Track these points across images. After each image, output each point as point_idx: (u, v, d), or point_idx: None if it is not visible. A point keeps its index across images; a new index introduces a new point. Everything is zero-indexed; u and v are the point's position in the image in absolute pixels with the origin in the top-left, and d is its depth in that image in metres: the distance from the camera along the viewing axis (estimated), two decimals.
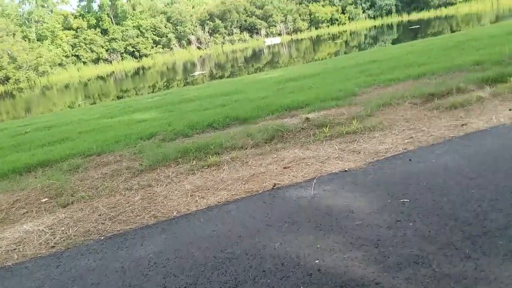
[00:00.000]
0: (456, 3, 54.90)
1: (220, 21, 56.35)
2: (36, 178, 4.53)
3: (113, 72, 45.67)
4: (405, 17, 55.83)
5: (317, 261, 2.25)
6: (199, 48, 55.40)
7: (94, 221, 3.24)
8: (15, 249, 2.99)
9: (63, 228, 3.19)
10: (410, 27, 38.14)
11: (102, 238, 2.95)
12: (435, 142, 3.82)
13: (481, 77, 5.78)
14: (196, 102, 8.63)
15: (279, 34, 57.62)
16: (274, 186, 3.41)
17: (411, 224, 2.47)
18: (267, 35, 57.05)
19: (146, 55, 53.11)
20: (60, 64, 48.21)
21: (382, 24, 53.49)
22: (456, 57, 8.36)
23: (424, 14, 54.13)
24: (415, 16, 54.81)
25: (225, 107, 7.03)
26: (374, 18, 59.00)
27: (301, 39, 51.75)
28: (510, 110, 4.34)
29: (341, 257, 2.25)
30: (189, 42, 55.38)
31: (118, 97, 20.45)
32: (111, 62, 51.65)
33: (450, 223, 2.41)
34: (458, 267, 2.00)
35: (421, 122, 4.49)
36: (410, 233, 2.37)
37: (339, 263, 2.20)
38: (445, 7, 54.86)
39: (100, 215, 3.33)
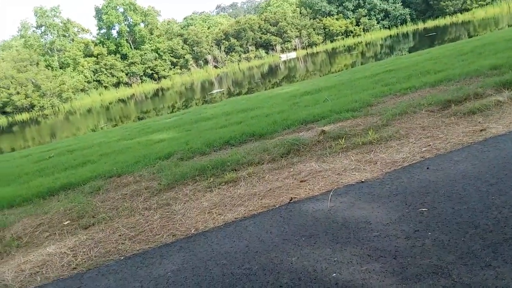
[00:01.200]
0: (471, 9, 54.36)
1: (236, 40, 57.14)
2: (59, 201, 4.64)
3: (133, 94, 46.65)
4: (420, 25, 55.48)
5: (334, 274, 2.23)
6: (216, 67, 56.19)
7: (115, 242, 3.28)
8: (39, 271, 3.05)
9: (84, 250, 3.25)
10: (426, 35, 37.88)
11: (122, 258, 2.99)
12: (453, 149, 3.76)
13: (499, 81, 5.67)
14: (213, 120, 8.72)
15: (295, 49, 57.98)
16: (290, 200, 3.40)
17: (429, 233, 2.42)
18: (282, 51, 57.47)
19: (164, 77, 54.17)
20: (82, 90, 49.62)
21: (397, 33, 53.29)
22: (473, 62, 8.25)
23: (440, 21, 53.70)
24: (431, 23, 54.42)
25: (242, 124, 7.08)
26: (389, 28, 58.85)
27: (317, 53, 51.96)
28: None
29: (358, 269, 2.22)
30: (206, 62, 56.26)
31: (139, 118, 20.85)
32: (131, 85, 52.85)
33: (470, 231, 2.35)
34: (479, 276, 1.95)
35: (439, 129, 4.42)
36: (429, 243, 2.32)
37: (356, 275, 2.17)
38: (461, 13, 54.34)
39: (120, 235, 3.38)
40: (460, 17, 52.79)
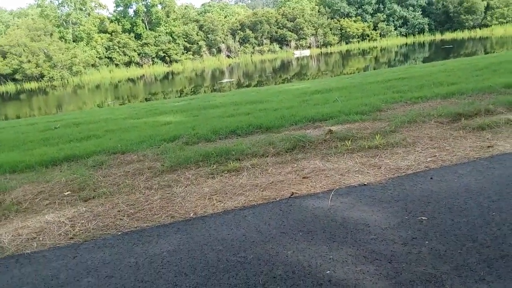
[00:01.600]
0: (491, 25, 54.00)
1: (251, 32, 56.88)
2: (61, 171, 4.67)
3: (143, 75, 46.65)
4: (438, 36, 55.17)
5: (328, 271, 2.24)
6: (228, 56, 56.03)
7: (113, 217, 3.31)
8: (35, 238, 3.08)
9: (82, 221, 3.27)
10: (443, 47, 37.63)
11: (119, 233, 3.01)
12: (458, 162, 3.76)
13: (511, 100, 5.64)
14: (221, 108, 8.73)
15: (309, 47, 57.71)
16: (291, 195, 3.41)
17: (427, 242, 2.43)
18: (296, 47, 57.22)
19: (176, 61, 54.06)
20: (93, 65, 49.63)
21: (413, 42, 52.97)
22: (487, 78, 8.20)
23: (458, 34, 53.38)
24: (448, 35, 54.11)
25: (250, 115, 7.08)
26: (406, 36, 58.47)
27: (331, 53, 51.70)
28: None
29: (353, 269, 2.23)
30: (219, 50, 56.09)
31: (146, 99, 20.87)
32: (142, 65, 52.81)
33: (468, 244, 2.36)
34: None
35: (446, 141, 4.41)
36: (426, 251, 2.33)
37: (350, 275, 2.18)
38: (480, 29, 53.98)
39: (119, 211, 3.41)
40: (478, 32, 52.45)
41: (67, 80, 45.16)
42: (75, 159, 5.14)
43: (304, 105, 7.76)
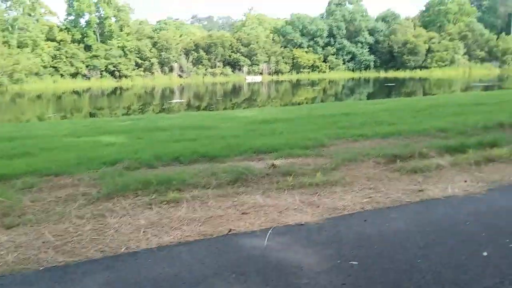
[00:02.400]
0: (430, 67, 58.08)
1: (205, 53, 57.17)
2: None
3: (90, 88, 45.18)
4: (382, 74, 58.40)
5: None
6: (180, 76, 55.76)
7: (37, 249, 3.10)
8: None
9: (2, 252, 3.04)
10: (386, 84, 39.69)
11: (41, 268, 2.82)
12: (391, 205, 3.91)
13: (443, 145, 6.00)
14: (168, 132, 8.59)
15: (261, 73, 58.82)
16: (229, 231, 3.38)
17: None
18: (249, 73, 58.13)
19: (126, 76, 52.93)
20: (36, 74, 47.35)
21: (360, 77, 55.63)
22: (424, 120, 8.70)
23: (400, 74, 56.85)
24: (392, 74, 57.43)
25: (195, 142, 7.01)
26: (353, 70, 61.38)
27: (282, 81, 52.96)
28: (465, 182, 4.51)
29: None
30: (171, 69, 55.72)
31: (91, 114, 20.18)
32: (89, 78, 51.18)
33: None
34: None
35: (381, 182, 4.59)
36: None
37: None
38: (420, 70, 57.86)
39: (44, 242, 3.20)
40: (419, 73, 56.15)
41: (6, 88, 42.72)
42: (3, 179, 4.80)
43: (251, 134, 7.82)
